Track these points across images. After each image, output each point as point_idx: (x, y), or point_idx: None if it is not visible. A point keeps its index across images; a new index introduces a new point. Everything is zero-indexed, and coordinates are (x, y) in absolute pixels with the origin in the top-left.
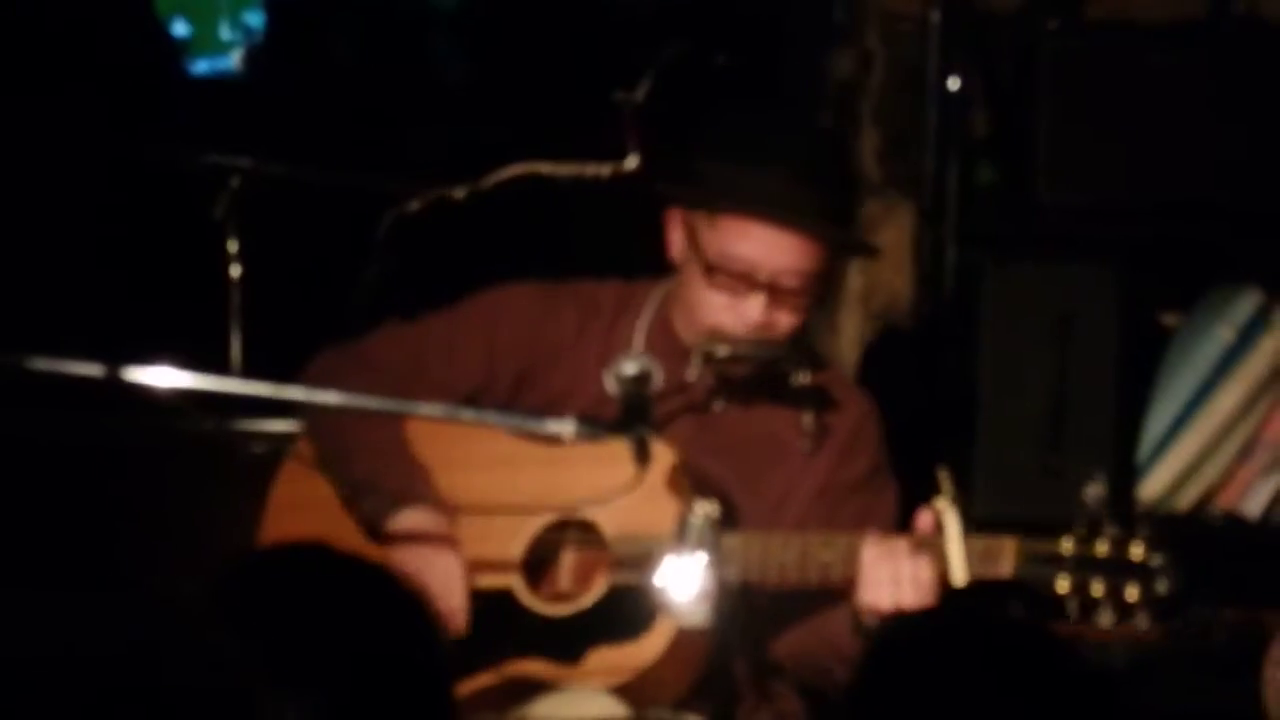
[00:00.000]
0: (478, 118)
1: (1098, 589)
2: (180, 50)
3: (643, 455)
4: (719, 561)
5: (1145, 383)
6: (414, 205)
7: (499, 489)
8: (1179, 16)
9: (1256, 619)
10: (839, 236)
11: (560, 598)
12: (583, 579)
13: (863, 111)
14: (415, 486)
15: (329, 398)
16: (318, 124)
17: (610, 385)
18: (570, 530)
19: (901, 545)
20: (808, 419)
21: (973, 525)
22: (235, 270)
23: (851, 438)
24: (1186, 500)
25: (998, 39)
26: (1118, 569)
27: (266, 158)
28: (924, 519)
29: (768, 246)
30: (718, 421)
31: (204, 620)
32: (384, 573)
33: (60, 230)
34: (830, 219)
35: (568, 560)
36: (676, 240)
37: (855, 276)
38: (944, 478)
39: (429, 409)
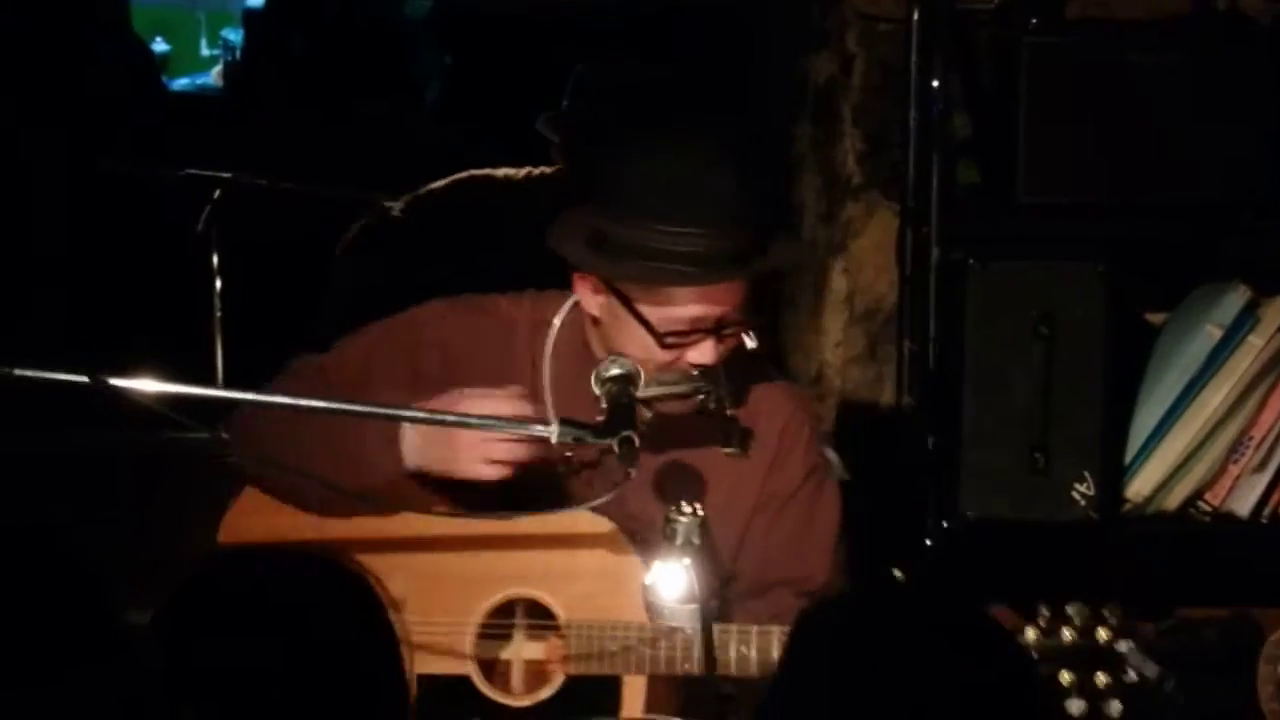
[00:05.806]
0: (452, 130)
1: (1066, 676)
2: (160, 67)
3: (629, 458)
4: (705, 561)
5: (1132, 381)
6: (363, 220)
7: (447, 564)
8: (1160, 13)
9: (1248, 616)
10: (774, 265)
11: (522, 684)
12: (535, 668)
13: (843, 113)
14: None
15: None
16: (296, 137)
17: (594, 388)
18: (520, 608)
19: None
20: (735, 438)
21: (960, 525)
22: (217, 283)
23: (781, 445)
24: (1175, 499)
25: (978, 38)
26: (1085, 655)
27: (247, 171)
28: None
29: (707, 299)
30: (647, 456)
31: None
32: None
33: (43, 245)
34: (761, 250)
35: (519, 642)
36: (593, 302)
37: (838, 278)
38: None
39: (381, 410)
